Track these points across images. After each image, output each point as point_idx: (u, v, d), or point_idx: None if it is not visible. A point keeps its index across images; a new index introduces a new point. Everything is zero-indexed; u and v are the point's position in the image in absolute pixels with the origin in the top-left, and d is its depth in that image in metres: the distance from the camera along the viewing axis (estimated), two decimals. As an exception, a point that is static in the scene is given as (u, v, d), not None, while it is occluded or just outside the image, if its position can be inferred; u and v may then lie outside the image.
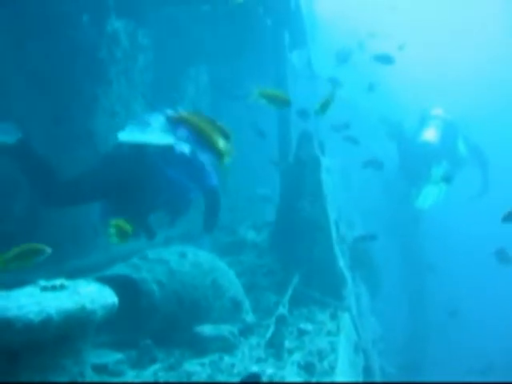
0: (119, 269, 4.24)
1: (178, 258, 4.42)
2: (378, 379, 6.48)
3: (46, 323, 2.44)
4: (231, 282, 4.60)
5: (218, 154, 3.17)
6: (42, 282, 2.74)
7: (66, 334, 2.59)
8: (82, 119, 5.70)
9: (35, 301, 2.49)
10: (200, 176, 5.19)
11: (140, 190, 4.65)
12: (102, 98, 5.94)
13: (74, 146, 5.50)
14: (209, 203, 5.43)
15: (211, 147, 3.16)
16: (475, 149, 11.50)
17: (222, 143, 3.15)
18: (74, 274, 4.04)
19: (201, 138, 3.18)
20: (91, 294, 2.70)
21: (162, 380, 3.47)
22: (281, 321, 4.44)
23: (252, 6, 6.47)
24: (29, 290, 2.68)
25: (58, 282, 2.75)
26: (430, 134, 10.85)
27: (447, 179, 9.53)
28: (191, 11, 6.94)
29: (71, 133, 5.50)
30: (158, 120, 4.81)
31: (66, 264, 5.01)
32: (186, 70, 7.92)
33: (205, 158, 5.20)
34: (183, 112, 3.14)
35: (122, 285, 3.82)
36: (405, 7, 19.95)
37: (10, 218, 4.82)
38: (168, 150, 4.79)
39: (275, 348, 4.11)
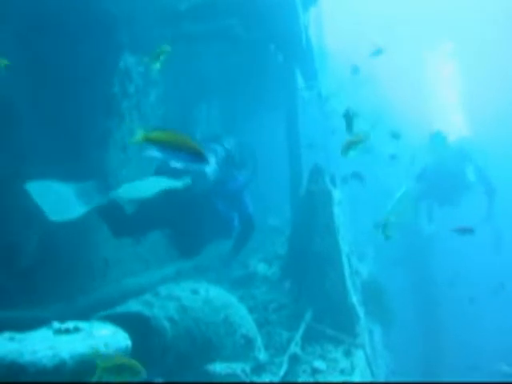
0: (131, 305, 4.21)
1: (190, 295, 4.40)
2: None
3: (60, 368, 2.43)
4: (243, 318, 4.56)
5: (198, 156, 3.11)
6: (56, 325, 2.73)
7: (79, 378, 2.57)
8: (95, 153, 5.74)
9: (49, 345, 2.48)
10: (238, 203, 5.34)
11: (191, 221, 4.91)
12: (114, 133, 5.99)
13: (85, 180, 5.53)
14: (242, 229, 5.57)
15: (190, 152, 3.09)
16: (483, 178, 11.50)
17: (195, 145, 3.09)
18: (85, 310, 4.05)
19: (177, 150, 3.10)
20: (105, 338, 2.69)
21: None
22: (293, 358, 4.39)
23: (264, 43, 6.57)
24: (42, 332, 2.67)
25: (71, 324, 2.74)
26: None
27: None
28: (203, 47, 7.02)
29: (83, 167, 5.53)
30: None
31: (77, 299, 5.01)
32: (198, 105, 7.99)
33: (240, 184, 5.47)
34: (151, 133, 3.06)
35: (134, 321, 3.82)
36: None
37: (24, 255, 4.86)
38: (218, 183, 5.09)
39: (288, 387, 4.06)
